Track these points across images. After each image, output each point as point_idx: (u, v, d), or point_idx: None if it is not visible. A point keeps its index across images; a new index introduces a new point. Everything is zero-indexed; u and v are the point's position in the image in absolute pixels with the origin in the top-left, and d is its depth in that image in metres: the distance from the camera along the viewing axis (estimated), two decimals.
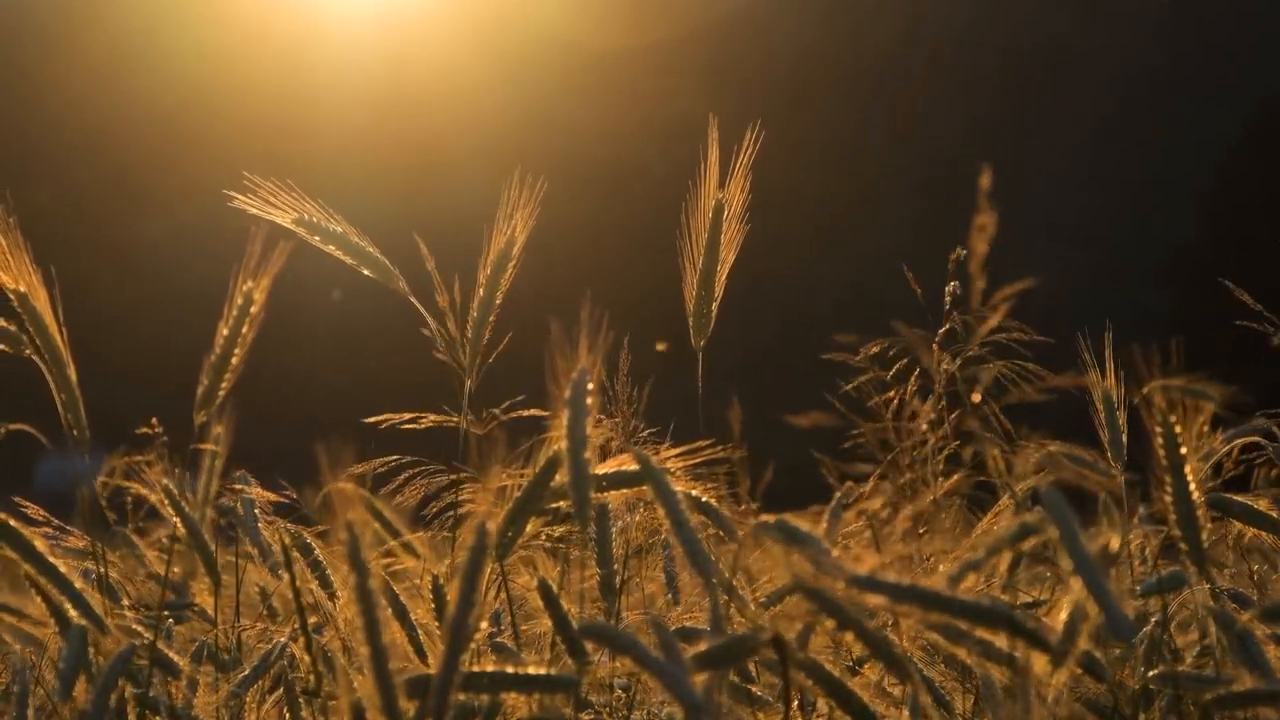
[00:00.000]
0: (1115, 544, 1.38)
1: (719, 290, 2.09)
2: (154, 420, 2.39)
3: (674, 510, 1.60)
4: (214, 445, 2.21)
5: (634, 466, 1.69)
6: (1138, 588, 1.97)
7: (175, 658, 1.98)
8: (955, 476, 1.91)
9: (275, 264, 1.86)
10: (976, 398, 1.83)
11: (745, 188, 2.07)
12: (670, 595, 2.26)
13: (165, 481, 2.13)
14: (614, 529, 1.96)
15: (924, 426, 1.87)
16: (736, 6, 19.98)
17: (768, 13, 20.35)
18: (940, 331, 1.98)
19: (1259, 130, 19.65)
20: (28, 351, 1.89)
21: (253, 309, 1.88)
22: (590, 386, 1.59)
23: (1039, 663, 1.39)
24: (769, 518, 1.45)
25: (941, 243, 2.12)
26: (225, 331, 1.88)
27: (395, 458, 2.04)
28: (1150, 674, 1.80)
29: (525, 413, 2.02)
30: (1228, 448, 2.06)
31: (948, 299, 2.03)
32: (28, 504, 2.01)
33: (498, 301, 2.02)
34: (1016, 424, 1.92)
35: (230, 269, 1.87)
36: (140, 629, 1.94)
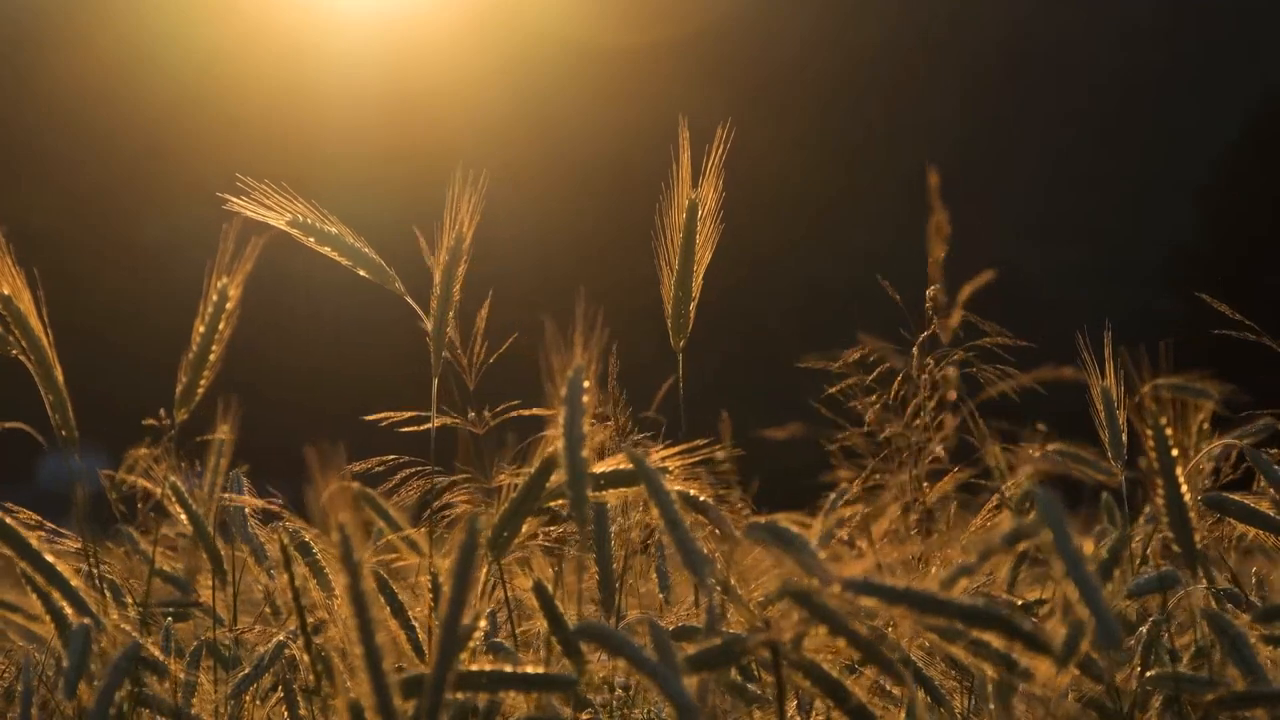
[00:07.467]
0: (1090, 548, 1.38)
1: (696, 291, 2.08)
2: (161, 412, 2.38)
3: (668, 509, 1.59)
4: (221, 440, 2.20)
5: (629, 466, 1.69)
6: (1125, 588, 1.97)
7: (162, 657, 1.98)
8: (948, 476, 1.91)
9: (249, 260, 1.87)
10: (952, 395, 1.84)
11: (719, 187, 2.06)
12: (664, 595, 2.26)
13: (172, 478, 2.13)
14: (612, 528, 1.95)
15: (911, 435, 1.86)
16: (735, 7, 19.98)
17: (766, 13, 20.34)
18: (922, 335, 1.97)
19: (1259, 128, 19.64)
20: (15, 352, 1.88)
21: (228, 305, 1.89)
22: (586, 384, 1.59)
23: (1042, 664, 1.39)
24: (761, 518, 1.45)
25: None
26: (202, 329, 1.89)
27: (392, 457, 2.03)
28: (1149, 674, 1.80)
29: (521, 411, 2.01)
30: (1218, 445, 2.05)
31: (929, 304, 2.03)
32: (19, 509, 2.01)
33: (455, 298, 2.00)
34: (1017, 424, 1.92)
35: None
36: (132, 629, 1.94)
